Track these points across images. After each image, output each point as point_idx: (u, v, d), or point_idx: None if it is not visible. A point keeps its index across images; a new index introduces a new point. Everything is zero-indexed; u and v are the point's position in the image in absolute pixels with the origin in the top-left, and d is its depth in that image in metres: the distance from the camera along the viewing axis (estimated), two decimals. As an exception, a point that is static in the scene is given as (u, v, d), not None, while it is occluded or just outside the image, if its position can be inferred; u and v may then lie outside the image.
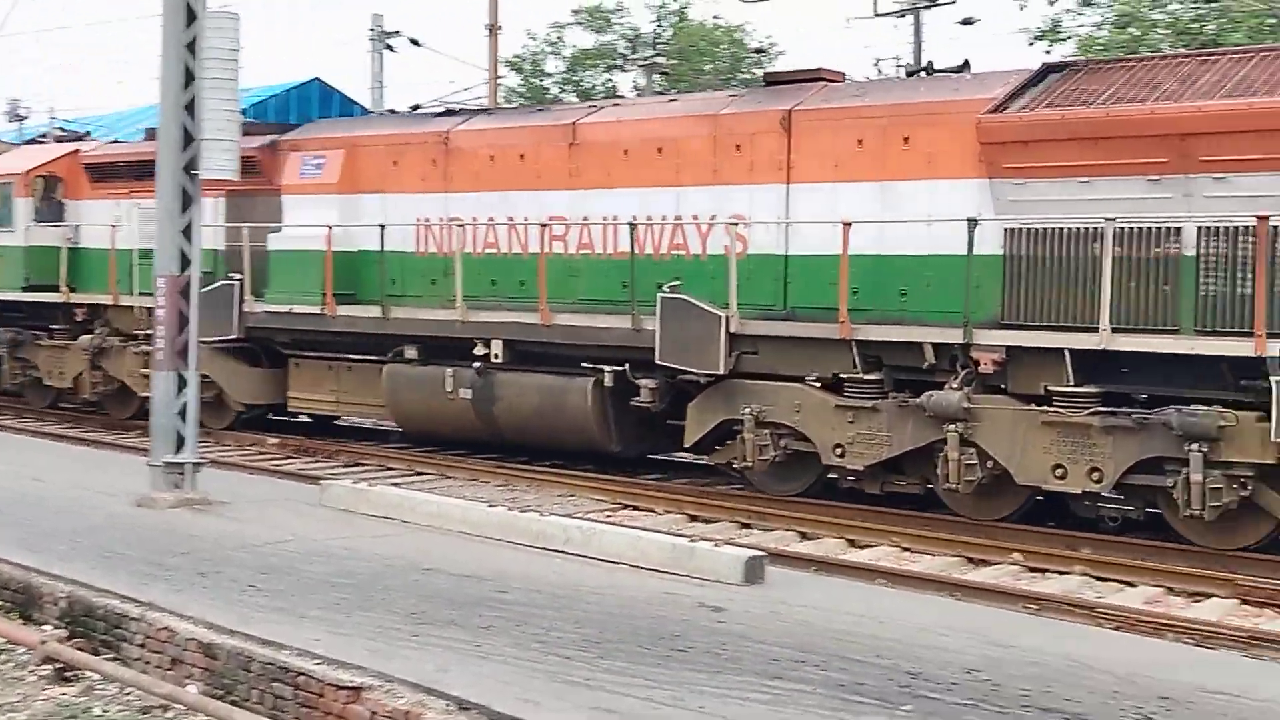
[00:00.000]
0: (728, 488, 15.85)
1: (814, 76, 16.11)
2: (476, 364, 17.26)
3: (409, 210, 18.49)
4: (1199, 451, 12.20)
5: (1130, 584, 12.12)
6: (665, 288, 15.45)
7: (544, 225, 16.73)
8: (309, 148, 19.63)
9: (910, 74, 16.69)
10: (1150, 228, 12.71)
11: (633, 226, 16.00)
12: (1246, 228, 12.21)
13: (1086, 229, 13.01)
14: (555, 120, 17.56)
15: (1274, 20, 30.01)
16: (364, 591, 9.20)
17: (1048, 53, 33.74)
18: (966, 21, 36.25)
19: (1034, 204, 13.41)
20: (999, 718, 6.84)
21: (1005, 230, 13.57)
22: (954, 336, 13.64)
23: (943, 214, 13.96)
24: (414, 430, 18.71)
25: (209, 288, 16.59)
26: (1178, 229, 12.62)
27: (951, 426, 13.51)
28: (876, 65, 38.69)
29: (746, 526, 14.52)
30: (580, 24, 49.40)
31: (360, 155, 19.08)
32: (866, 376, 14.30)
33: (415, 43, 37.87)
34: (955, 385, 13.64)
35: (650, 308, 15.43)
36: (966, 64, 15.35)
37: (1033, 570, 12.66)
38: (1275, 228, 11.95)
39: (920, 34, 36.56)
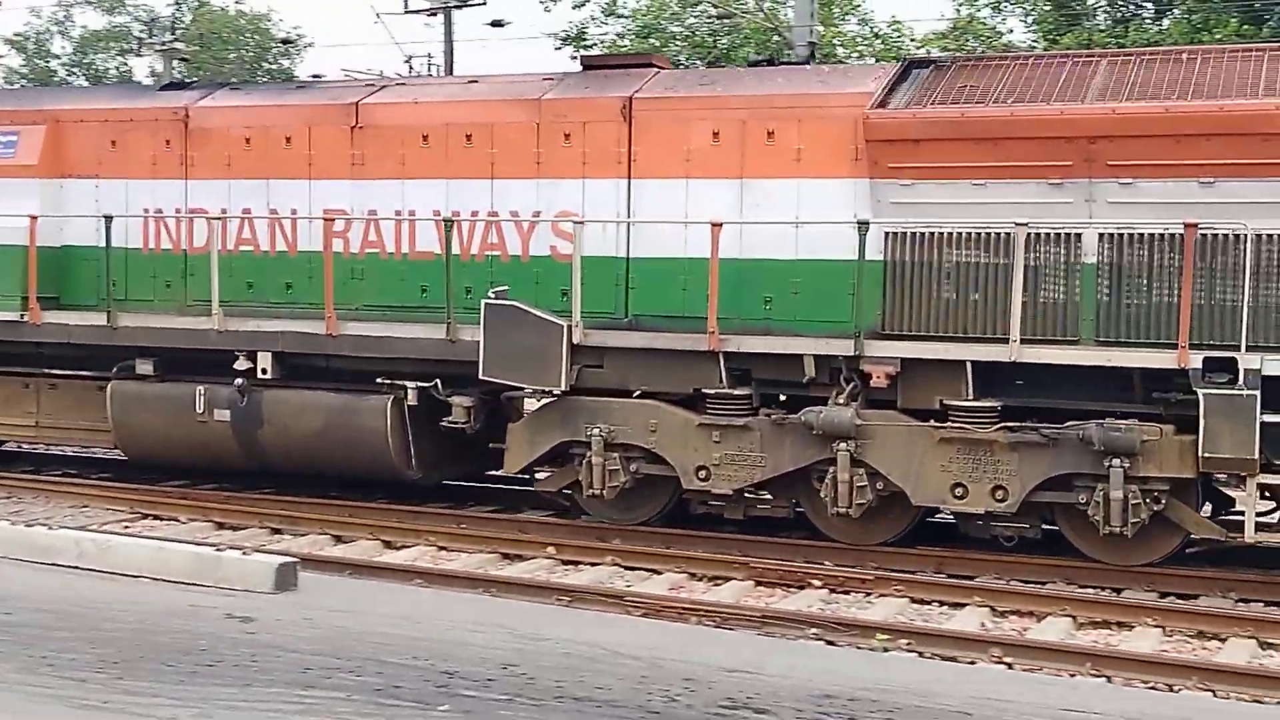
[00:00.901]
0: (313, 497, 14.99)
1: (644, 62, 14.75)
2: (239, 380, 14.81)
3: (134, 199, 15.71)
4: (1120, 467, 11.77)
5: (657, 572, 12.53)
6: (491, 293, 13.66)
7: (328, 219, 14.53)
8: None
9: (754, 65, 15.59)
10: (1052, 233, 12.19)
11: (450, 223, 14.08)
12: (1156, 235, 11.90)
13: (985, 234, 12.35)
14: (332, 99, 15.29)
15: (779, 38, 31.08)
16: None
17: (574, 58, 34.20)
18: (496, 23, 37.33)
19: (920, 207, 12.61)
20: (534, 709, 6.94)
21: (886, 234, 12.72)
22: (842, 348, 12.66)
23: (812, 216, 12.96)
24: (146, 459, 15.90)
25: None
26: (1079, 235, 12.16)
27: (843, 445, 12.53)
28: (408, 62, 38.46)
29: (277, 532, 14.15)
30: (91, 3, 46.17)
31: (67, 133, 16.06)
32: (735, 392, 13.10)
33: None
34: (842, 401, 12.67)
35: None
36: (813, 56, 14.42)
37: (566, 563, 12.94)
38: (1203, 235, 11.65)
39: (451, 33, 37.01)
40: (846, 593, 11.83)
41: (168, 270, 15.49)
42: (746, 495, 13.36)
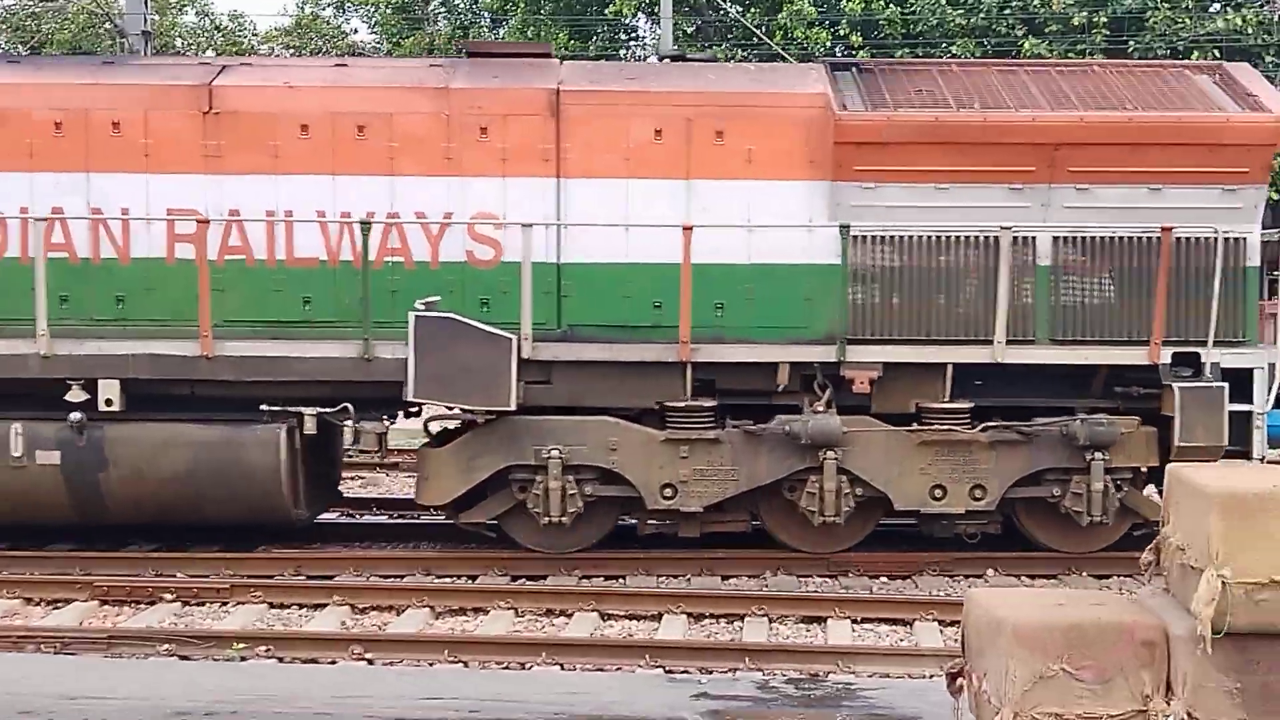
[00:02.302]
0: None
1: (541, 51, 13.58)
2: (77, 415, 12.17)
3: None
4: (1101, 460, 12.32)
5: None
6: (419, 304, 12.10)
7: (201, 220, 12.25)
8: None
9: (666, 57, 14.67)
10: (1018, 237, 12.51)
11: (366, 225, 12.27)
12: (1114, 238, 12.53)
13: (957, 237, 12.48)
14: (174, 79, 12.84)
15: (112, 25, 30.58)
16: None
17: None
18: None
19: (881, 210, 12.53)
20: None
21: (852, 237, 12.54)
22: (823, 354, 12.35)
23: (765, 219, 12.55)
24: None
25: None
26: (1034, 238, 12.58)
27: (830, 453, 12.22)
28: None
29: None
30: None
31: None
32: (702, 404, 12.41)
33: None
34: (821, 408, 12.36)
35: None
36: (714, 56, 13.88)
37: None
38: (1202, 239, 12.40)
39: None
40: (201, 604, 11.42)
41: (-60, 283, 12.47)
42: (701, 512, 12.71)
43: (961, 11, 27.30)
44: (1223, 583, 5.36)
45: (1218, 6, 27.77)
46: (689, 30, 30.81)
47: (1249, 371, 12.49)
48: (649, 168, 12.61)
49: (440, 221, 12.56)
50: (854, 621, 11.08)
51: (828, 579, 12.51)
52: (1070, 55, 25.50)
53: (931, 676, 8.99)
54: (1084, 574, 12.55)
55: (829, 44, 28.47)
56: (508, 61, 13.18)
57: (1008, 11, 27.18)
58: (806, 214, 12.57)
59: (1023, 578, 12.56)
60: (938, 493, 12.47)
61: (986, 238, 12.42)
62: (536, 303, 12.43)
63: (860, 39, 27.94)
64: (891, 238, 12.48)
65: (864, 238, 12.49)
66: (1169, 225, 12.30)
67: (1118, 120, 12.42)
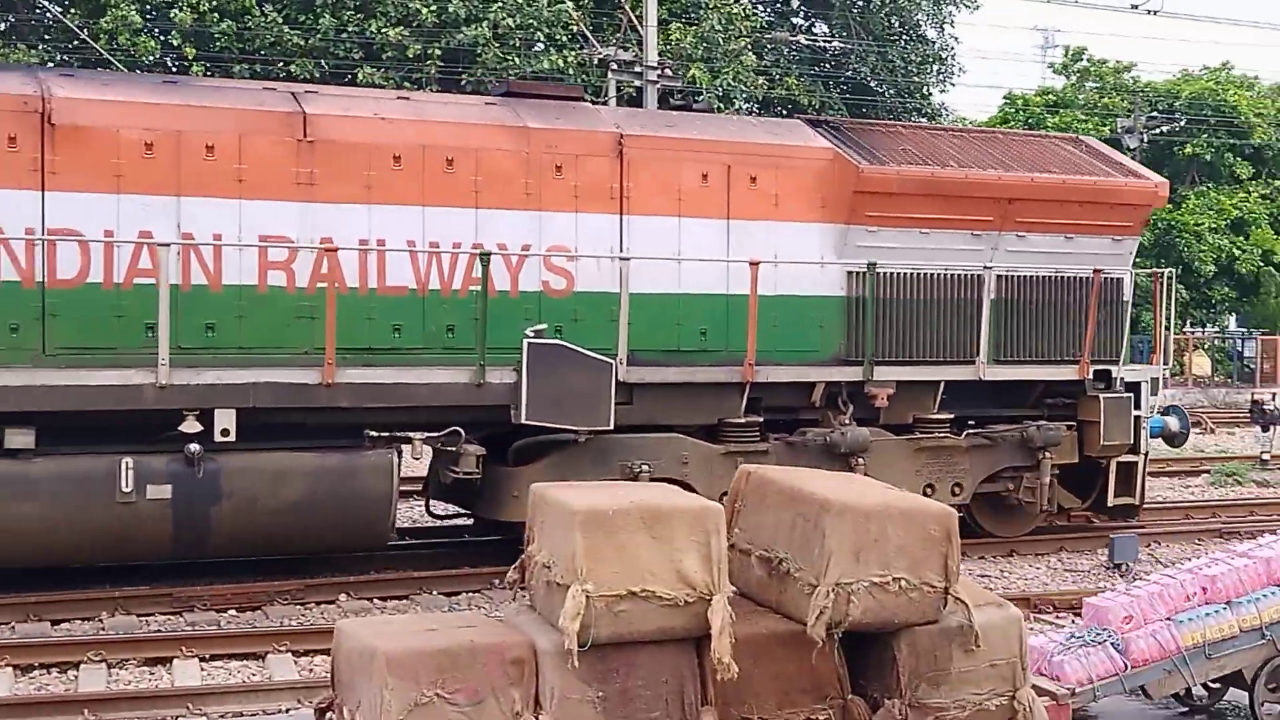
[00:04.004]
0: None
1: (574, 95, 14.41)
2: (194, 446, 11.77)
3: (-49, 212, 11.46)
4: (1049, 458, 15.05)
5: None
6: (529, 332, 12.80)
7: (328, 249, 12.20)
8: None
9: (676, 106, 15.57)
10: (966, 274, 14.95)
11: (485, 256, 12.70)
12: (1051, 277, 15.29)
13: (946, 275, 14.75)
14: (268, 105, 12.51)
15: None
16: None
17: None
18: None
19: (878, 250, 14.60)
20: None
21: (848, 273, 14.51)
22: (853, 374, 14.24)
23: (787, 256, 14.28)
24: (13, 560, 11.60)
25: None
26: (981, 276, 15.12)
27: (861, 460, 14.12)
28: None
29: None
30: None
31: None
32: (755, 420, 13.92)
33: None
34: (846, 420, 14.23)
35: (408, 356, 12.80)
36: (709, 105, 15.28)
37: None
38: (1114, 279, 15.32)
39: None
40: None
41: (14, 310, 11.56)
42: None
43: (299, 32, 27.98)
44: (587, 596, 5.60)
45: (541, 47, 30.33)
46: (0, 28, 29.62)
47: (1137, 385, 15.72)
48: (697, 208, 13.97)
49: (577, 255, 13.42)
50: (203, 660, 10.48)
51: (171, 616, 11.83)
52: (406, 84, 27.66)
53: (288, 710, 9.12)
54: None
55: (158, 53, 28.25)
56: (559, 104, 13.99)
57: (345, 36, 27.98)
58: (819, 252, 14.42)
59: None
60: (928, 491, 14.68)
61: (971, 275, 14.82)
62: (599, 329, 13.45)
63: (194, 51, 27.58)
64: (896, 274, 14.58)
65: (857, 273, 14.48)
66: (1099, 268, 15.29)
67: (1054, 181, 15.24)
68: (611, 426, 13.10)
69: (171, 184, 12.09)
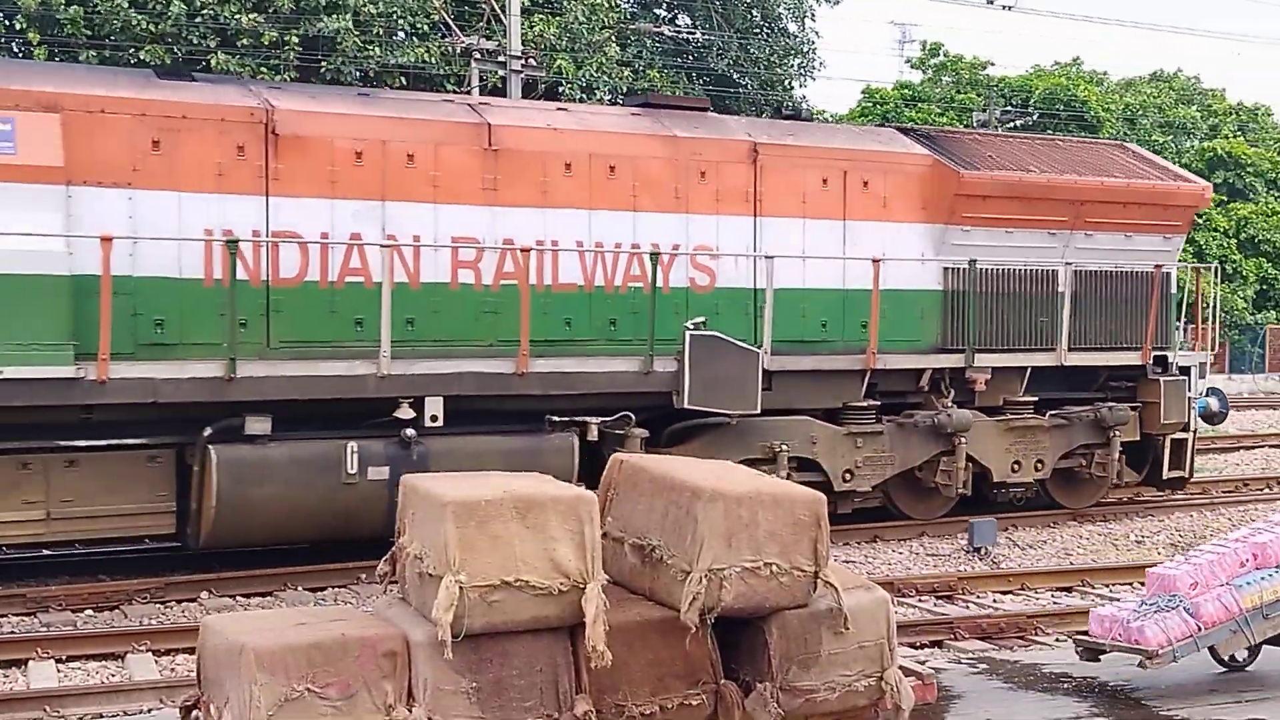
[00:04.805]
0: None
1: (701, 105, 15.67)
2: (409, 431, 12.85)
3: (189, 218, 12.38)
4: (1118, 436, 16.70)
5: None
6: (689, 324, 14.07)
7: (528, 250, 13.36)
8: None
9: (787, 116, 16.81)
10: (1046, 270, 16.55)
11: (655, 257, 13.93)
12: (1115, 272, 16.93)
13: (1023, 270, 16.31)
14: (459, 117, 13.57)
15: None
16: None
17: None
18: None
19: (971, 249, 16.10)
20: None
21: (944, 269, 16.00)
22: (956, 361, 15.74)
23: (893, 254, 15.71)
24: (245, 543, 12.58)
25: None
26: (1055, 271, 16.71)
27: (963, 439, 15.61)
28: None
29: None
30: None
31: (93, 126, 11.92)
32: (874, 403, 15.34)
33: None
34: (950, 403, 15.72)
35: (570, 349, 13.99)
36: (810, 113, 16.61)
37: None
38: (1166, 274, 16.99)
39: None
40: None
41: (240, 307, 12.53)
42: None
43: (148, 18, 26.57)
44: (460, 587, 5.52)
45: (402, 36, 29.67)
46: None
47: (1188, 369, 17.44)
48: (818, 210, 15.34)
49: (721, 254, 14.71)
50: (59, 661, 10.29)
51: (25, 616, 11.58)
52: (263, 71, 26.57)
53: (150, 710, 9.00)
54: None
55: (2, 38, 27.28)
56: (693, 114, 15.26)
57: (199, 20, 26.93)
58: (920, 250, 15.88)
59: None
60: (1015, 467, 16.27)
61: (1051, 271, 16.39)
62: (737, 321, 14.78)
63: (38, 36, 26.46)
64: (989, 270, 16.09)
65: (952, 269, 15.97)
66: (1160, 264, 16.97)
67: (1120, 185, 16.87)
68: (759, 410, 14.43)
69: (377, 189, 13.16)
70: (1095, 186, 16.73)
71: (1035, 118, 44.49)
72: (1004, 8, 31.38)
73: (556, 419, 13.79)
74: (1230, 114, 52.95)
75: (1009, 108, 45.11)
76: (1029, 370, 16.43)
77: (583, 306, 14.15)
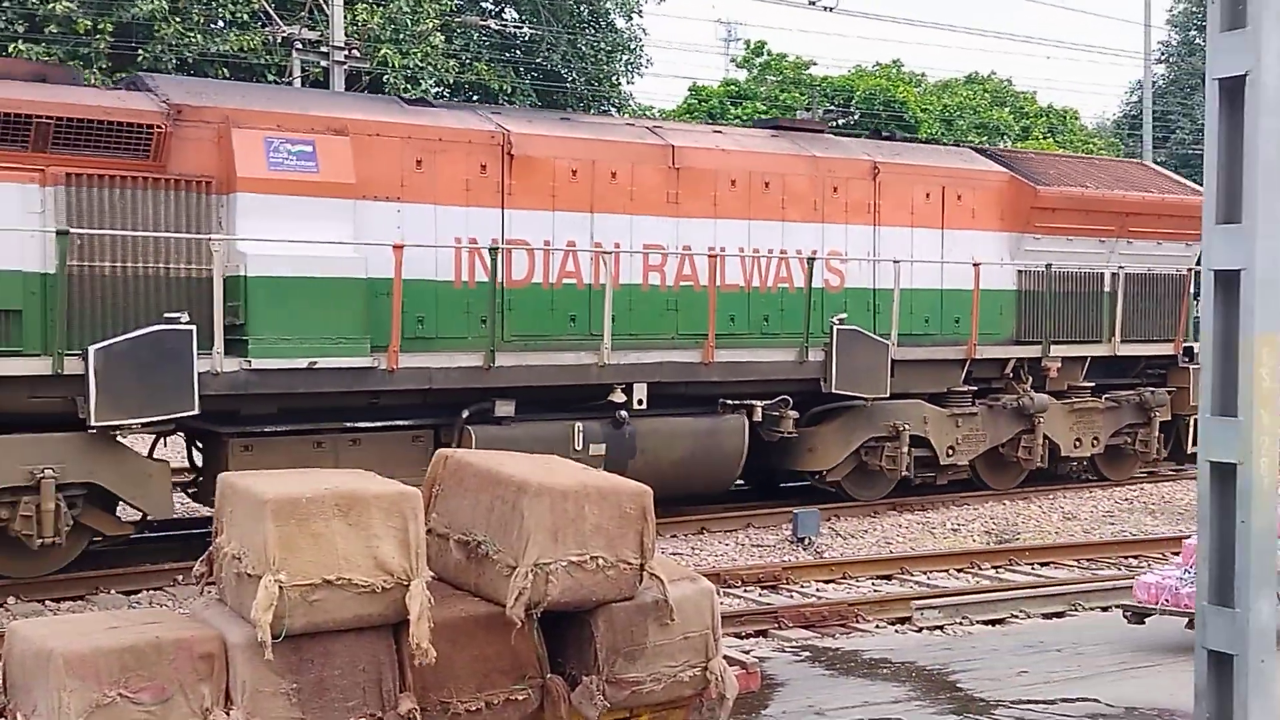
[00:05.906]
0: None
1: (817, 127, 17.84)
2: (621, 413, 14.83)
3: (445, 226, 14.18)
4: (1158, 418, 19.36)
5: None
6: (835, 319, 16.26)
7: (714, 256, 15.41)
8: (276, 126, 13.04)
9: (884, 137, 18.99)
10: (1101, 273, 19.15)
11: (811, 261, 16.07)
12: (1148, 274, 19.58)
13: (1084, 273, 18.86)
14: (647, 139, 15.53)
15: None
16: None
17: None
18: None
19: (1040, 254, 18.60)
20: None
21: (1019, 271, 18.47)
22: (1035, 352, 18.21)
23: (981, 259, 18.12)
24: None
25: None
26: (1102, 273, 19.30)
27: (1041, 419, 18.09)
28: None
29: None
30: None
31: (372, 147, 13.62)
32: (971, 388, 17.73)
33: None
34: (1029, 388, 18.19)
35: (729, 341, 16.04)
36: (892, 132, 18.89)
37: None
38: (1196, 274, 19.66)
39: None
40: None
41: (482, 305, 14.35)
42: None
43: None
44: (280, 586, 5.36)
45: (222, 25, 28.98)
46: None
47: (1207, 358, 20.16)
48: (923, 220, 17.68)
49: (886, 258, 17.09)
50: None
51: None
52: (73, 60, 25.78)
53: None
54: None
55: None
56: (814, 135, 17.48)
57: (4, 8, 26.03)
58: (999, 255, 18.32)
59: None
60: (1077, 443, 18.83)
61: (1104, 274, 18.97)
62: (862, 318, 17.04)
63: None
64: (1058, 272, 18.60)
65: (1024, 271, 18.46)
66: (1191, 267, 19.68)
67: (1158, 199, 19.54)
68: (888, 394, 16.70)
69: (587, 202, 15.10)
70: (1138, 200, 19.38)
71: (857, 118, 44.54)
72: (825, 9, 31.26)
73: (729, 402, 15.90)
74: (1041, 116, 54.39)
75: (831, 107, 45.01)
76: (1088, 360, 19.00)
77: (743, 304, 16.24)
